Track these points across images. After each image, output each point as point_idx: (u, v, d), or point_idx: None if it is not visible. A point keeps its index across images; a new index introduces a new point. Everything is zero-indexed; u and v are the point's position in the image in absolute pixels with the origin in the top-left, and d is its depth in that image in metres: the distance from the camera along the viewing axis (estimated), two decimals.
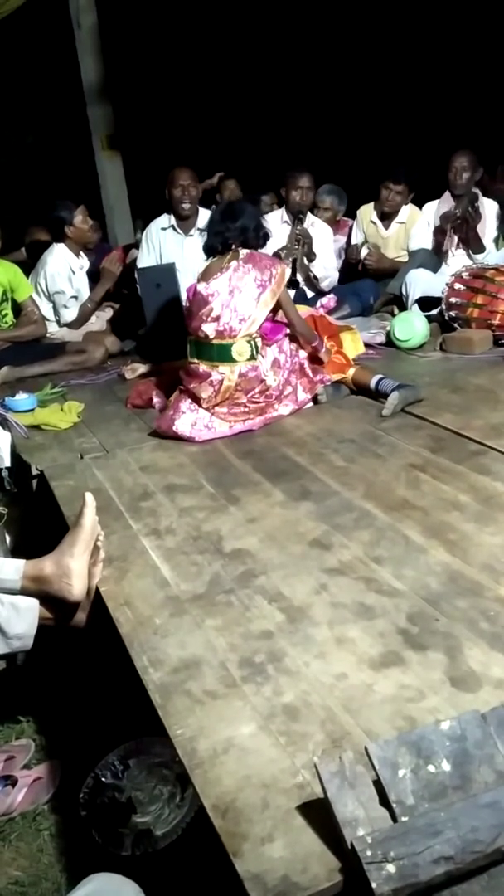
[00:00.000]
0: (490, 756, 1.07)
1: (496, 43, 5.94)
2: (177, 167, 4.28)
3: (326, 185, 4.94)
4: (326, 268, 4.53)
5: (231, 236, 2.89)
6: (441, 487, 2.16)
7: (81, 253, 4.45)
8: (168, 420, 2.84)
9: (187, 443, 2.76)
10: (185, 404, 2.85)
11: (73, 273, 4.36)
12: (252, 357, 2.84)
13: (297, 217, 4.47)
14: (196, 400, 2.84)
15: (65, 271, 4.31)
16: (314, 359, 3.06)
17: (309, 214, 4.56)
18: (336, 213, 5.00)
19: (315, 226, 4.56)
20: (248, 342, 2.83)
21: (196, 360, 2.87)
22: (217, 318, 2.79)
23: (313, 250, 4.42)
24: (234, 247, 2.88)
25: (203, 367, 2.84)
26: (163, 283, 3.94)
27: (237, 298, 2.79)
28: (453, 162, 4.27)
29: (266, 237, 3.01)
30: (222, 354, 2.81)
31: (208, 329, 2.80)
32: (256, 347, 2.85)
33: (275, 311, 2.97)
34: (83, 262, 4.46)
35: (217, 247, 2.93)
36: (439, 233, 4.33)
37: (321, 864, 1.02)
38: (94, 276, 4.51)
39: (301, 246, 4.40)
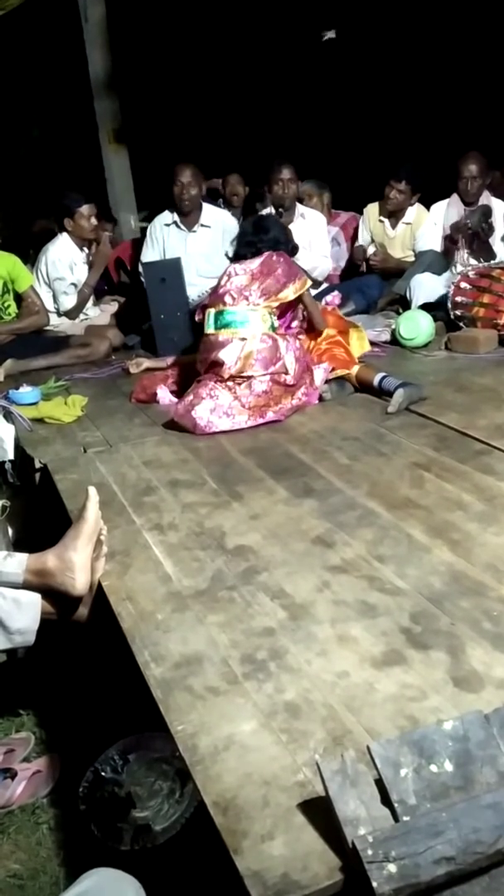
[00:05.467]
0: (493, 757, 1.07)
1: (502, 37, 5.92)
2: (179, 164, 4.26)
3: (304, 180, 4.92)
4: (315, 258, 4.47)
5: (263, 247, 3.01)
6: (445, 487, 2.15)
7: (84, 248, 4.45)
8: (187, 406, 2.83)
9: (191, 438, 2.76)
10: (206, 390, 2.84)
11: (75, 264, 4.39)
12: (272, 329, 2.90)
13: (278, 211, 4.43)
14: (218, 374, 2.84)
15: (66, 259, 4.34)
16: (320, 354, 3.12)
17: (299, 206, 4.51)
18: (321, 199, 4.96)
19: (306, 216, 4.52)
20: (269, 314, 2.90)
21: (215, 331, 2.91)
22: (243, 287, 2.90)
23: (296, 244, 4.38)
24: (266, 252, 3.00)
25: (223, 335, 2.88)
26: (168, 277, 3.94)
27: (266, 276, 2.92)
28: (462, 170, 4.19)
29: (295, 249, 3.15)
30: (244, 321, 2.87)
31: (234, 293, 2.89)
32: (274, 322, 2.92)
33: (288, 310, 3.02)
34: (84, 256, 4.47)
35: (247, 255, 3.02)
36: (450, 241, 4.30)
37: (322, 862, 1.02)
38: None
39: None
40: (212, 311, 2.94)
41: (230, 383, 2.83)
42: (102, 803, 1.73)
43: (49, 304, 4.37)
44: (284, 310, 3.01)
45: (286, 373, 2.86)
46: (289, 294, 2.93)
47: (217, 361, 2.84)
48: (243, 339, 2.84)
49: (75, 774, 1.82)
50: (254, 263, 2.96)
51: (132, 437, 2.84)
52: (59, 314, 4.42)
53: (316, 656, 1.46)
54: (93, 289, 4.51)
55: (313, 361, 3.05)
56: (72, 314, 4.42)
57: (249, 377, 2.82)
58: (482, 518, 1.95)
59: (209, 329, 2.93)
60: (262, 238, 3.03)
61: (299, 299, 3.02)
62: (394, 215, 4.65)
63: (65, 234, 4.37)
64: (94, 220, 4.38)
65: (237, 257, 3.08)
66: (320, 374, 3.02)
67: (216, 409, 2.79)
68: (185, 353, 3.51)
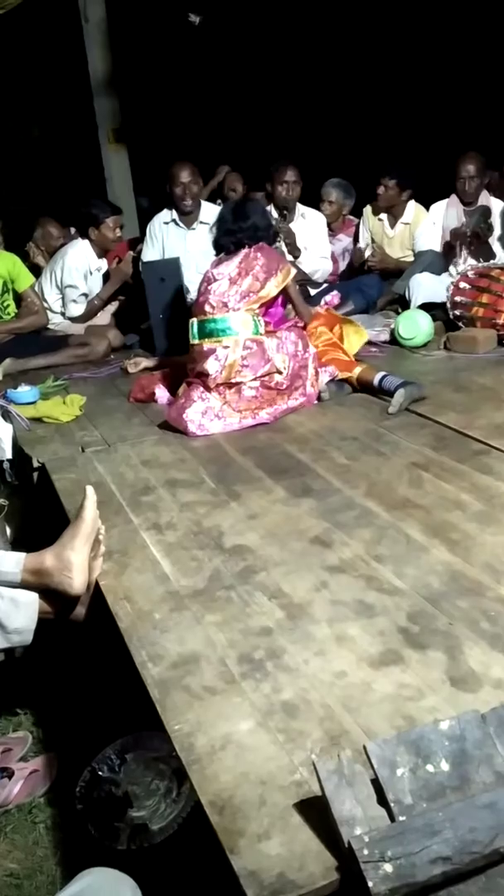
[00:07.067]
0: (489, 756, 1.07)
1: (501, 38, 5.92)
2: (177, 163, 4.24)
3: (334, 178, 4.91)
4: (315, 260, 4.45)
5: (244, 237, 2.96)
6: (443, 486, 2.15)
7: (103, 256, 4.44)
8: (178, 408, 2.84)
9: (189, 438, 2.75)
10: (197, 393, 2.85)
11: (91, 273, 4.38)
12: (257, 332, 2.86)
13: (281, 213, 4.40)
14: (205, 384, 2.83)
15: (83, 268, 4.32)
16: (320, 356, 3.08)
17: (299, 205, 4.50)
18: (341, 208, 4.95)
19: (306, 216, 4.51)
20: (252, 317, 2.86)
21: (199, 341, 2.89)
22: (222, 293, 2.86)
23: (297, 246, 4.35)
24: (247, 247, 2.95)
25: (207, 345, 2.86)
26: (167, 277, 3.93)
27: (244, 278, 2.88)
28: (460, 171, 4.18)
29: (276, 235, 3.09)
30: (225, 328, 2.85)
31: (213, 301, 2.86)
32: (259, 325, 2.88)
33: (283, 304, 3.00)
34: (102, 264, 4.46)
35: (230, 247, 2.98)
36: (448, 248, 4.28)
37: (318, 862, 1.02)
38: (108, 277, 4.53)
39: (284, 245, 4.28)
40: (195, 321, 2.92)
41: (220, 388, 2.83)
42: (99, 803, 1.73)
43: (57, 308, 4.38)
44: (270, 304, 2.98)
45: (278, 372, 2.85)
46: (271, 290, 2.91)
47: (203, 372, 2.84)
48: (226, 346, 2.83)
49: (72, 774, 1.82)
50: (231, 265, 2.91)
51: (130, 437, 2.84)
52: (64, 317, 4.42)
53: (313, 656, 1.45)
54: (105, 302, 4.47)
55: (316, 361, 3.04)
56: (78, 321, 4.41)
57: (239, 383, 2.82)
58: (481, 518, 1.94)
59: (193, 340, 2.91)
60: (241, 226, 2.95)
61: (283, 290, 2.98)
62: (390, 213, 4.64)
63: (85, 241, 4.34)
64: (118, 232, 4.36)
65: (218, 248, 3.04)
66: (325, 378, 3.01)
67: (207, 411, 2.79)
68: (183, 353, 3.51)
